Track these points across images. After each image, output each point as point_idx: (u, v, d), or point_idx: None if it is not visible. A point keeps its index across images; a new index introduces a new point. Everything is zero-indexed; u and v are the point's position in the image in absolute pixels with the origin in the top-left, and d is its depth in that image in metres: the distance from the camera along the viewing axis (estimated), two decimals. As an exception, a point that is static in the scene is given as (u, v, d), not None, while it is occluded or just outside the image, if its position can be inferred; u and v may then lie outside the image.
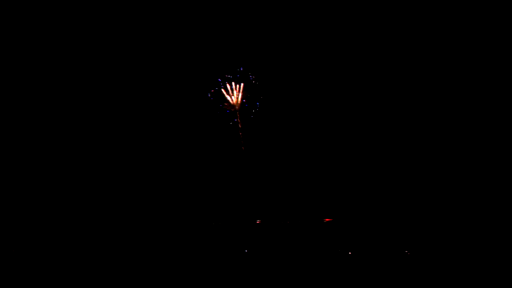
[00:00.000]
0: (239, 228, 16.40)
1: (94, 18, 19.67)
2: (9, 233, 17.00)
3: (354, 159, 18.40)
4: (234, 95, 18.47)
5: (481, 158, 16.50)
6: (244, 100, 18.65)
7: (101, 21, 19.69)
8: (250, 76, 19.18)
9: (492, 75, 17.14)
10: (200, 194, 18.80)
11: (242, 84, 18.48)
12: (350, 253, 13.78)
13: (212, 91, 19.22)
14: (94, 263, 14.59)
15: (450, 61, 17.92)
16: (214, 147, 19.48)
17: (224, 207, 18.28)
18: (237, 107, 18.45)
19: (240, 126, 18.13)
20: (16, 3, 18.79)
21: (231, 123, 18.64)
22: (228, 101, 18.70)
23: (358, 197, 17.53)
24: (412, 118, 18.05)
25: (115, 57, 20.00)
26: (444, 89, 17.87)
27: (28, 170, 18.74)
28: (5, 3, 18.52)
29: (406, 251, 13.06)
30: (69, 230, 17.43)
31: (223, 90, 18.66)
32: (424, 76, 18.25)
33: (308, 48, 19.59)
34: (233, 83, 18.66)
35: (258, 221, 16.61)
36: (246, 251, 14.99)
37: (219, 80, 18.93)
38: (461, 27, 17.68)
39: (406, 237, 14.10)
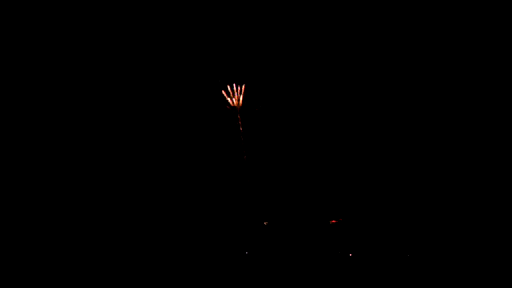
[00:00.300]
0: (243, 230, 16.47)
1: (97, 20, 19.62)
2: (9, 234, 16.96)
3: (356, 159, 18.44)
4: (235, 97, 18.37)
5: (480, 162, 16.58)
6: (245, 102, 18.58)
7: (105, 23, 19.63)
8: (252, 77, 19.14)
9: (491, 75, 17.21)
10: (202, 195, 18.80)
11: (243, 86, 18.39)
12: (350, 254, 13.86)
13: (213, 91, 19.16)
14: (95, 263, 14.60)
15: (449, 61, 17.97)
16: (215, 148, 19.45)
17: (228, 208, 18.29)
18: (238, 109, 18.35)
19: (241, 129, 18.07)
20: (16, 3, 18.66)
21: (232, 126, 18.59)
22: (229, 102, 18.62)
23: (359, 199, 17.59)
24: (412, 124, 18.08)
25: (116, 58, 19.95)
26: (443, 89, 17.93)
27: (29, 171, 18.68)
28: (5, 3, 18.38)
29: (407, 254, 13.16)
30: (69, 231, 17.41)
31: (223, 92, 18.58)
32: (423, 76, 18.30)
33: (310, 49, 19.59)
34: (234, 85, 18.57)
35: (265, 222, 16.70)
36: (246, 253, 15.04)
37: (220, 81, 18.85)
38: (460, 27, 17.72)
39: (406, 239, 14.19)
